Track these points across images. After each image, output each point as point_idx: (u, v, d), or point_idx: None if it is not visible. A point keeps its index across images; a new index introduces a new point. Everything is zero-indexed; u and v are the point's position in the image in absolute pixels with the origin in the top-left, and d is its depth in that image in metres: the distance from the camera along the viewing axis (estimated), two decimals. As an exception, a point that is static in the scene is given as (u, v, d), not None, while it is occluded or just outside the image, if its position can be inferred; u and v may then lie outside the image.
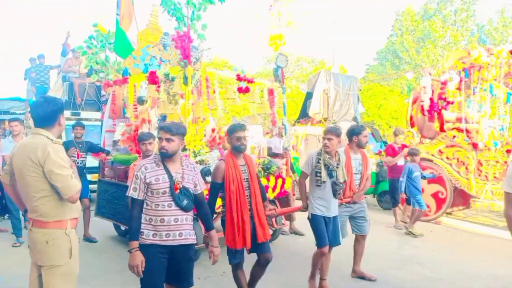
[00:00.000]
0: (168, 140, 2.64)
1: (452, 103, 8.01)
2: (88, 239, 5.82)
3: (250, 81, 5.57)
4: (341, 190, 3.85)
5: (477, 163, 7.43)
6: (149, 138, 4.42)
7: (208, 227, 2.88)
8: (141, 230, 2.64)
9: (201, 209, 2.86)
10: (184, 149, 5.02)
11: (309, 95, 11.55)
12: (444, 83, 7.92)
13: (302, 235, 6.22)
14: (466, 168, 7.46)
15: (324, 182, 3.73)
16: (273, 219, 5.23)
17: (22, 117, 11.00)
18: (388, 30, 25.63)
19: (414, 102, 8.60)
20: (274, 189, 5.49)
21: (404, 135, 7.80)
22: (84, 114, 9.70)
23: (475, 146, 7.49)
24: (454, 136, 7.77)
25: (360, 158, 4.23)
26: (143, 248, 2.59)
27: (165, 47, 6.11)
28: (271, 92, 5.95)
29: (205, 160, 4.85)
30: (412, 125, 8.53)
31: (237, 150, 3.40)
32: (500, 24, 22.97)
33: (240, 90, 5.45)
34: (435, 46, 21.21)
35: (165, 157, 2.67)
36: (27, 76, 11.27)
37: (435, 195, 7.47)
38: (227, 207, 3.33)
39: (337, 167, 3.78)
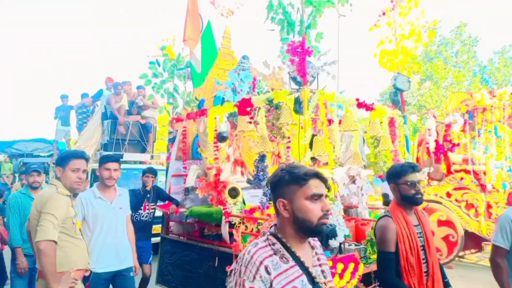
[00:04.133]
0: (322, 196, 1.54)
1: (458, 145, 8.00)
2: None
3: (370, 108, 4.34)
4: None
5: (486, 205, 7.29)
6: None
7: None
8: None
9: None
10: None
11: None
12: (449, 125, 7.97)
13: None
14: (476, 210, 7.38)
15: None
16: None
17: (48, 160, 10.57)
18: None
19: (420, 144, 8.65)
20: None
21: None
22: (127, 156, 8.78)
23: (483, 187, 7.47)
24: (461, 178, 7.71)
25: None
26: None
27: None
28: (391, 122, 4.72)
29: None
30: (419, 167, 8.46)
31: (412, 202, 2.45)
32: (501, 64, 23.35)
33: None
34: (438, 87, 21.47)
35: (315, 235, 1.58)
36: (58, 115, 10.70)
37: (446, 239, 7.37)
38: None
39: None
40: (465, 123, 8.13)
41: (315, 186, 1.49)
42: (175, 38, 5.75)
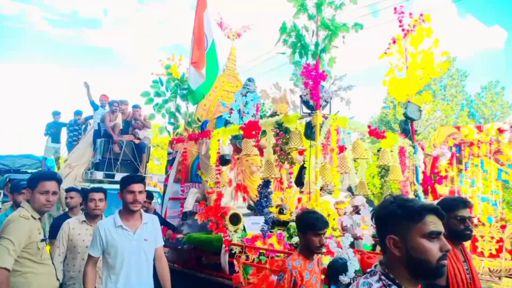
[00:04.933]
0: (441, 235, 1.44)
1: (445, 177, 8.22)
2: None
3: (381, 136, 4.22)
4: None
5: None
6: (325, 227, 2.68)
7: None
8: None
9: None
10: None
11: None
12: (436, 158, 8.20)
13: None
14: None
15: None
16: None
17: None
18: (381, 101, 26.68)
19: (408, 175, 8.81)
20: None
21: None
22: (119, 176, 8.18)
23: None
24: (448, 211, 7.88)
25: None
26: None
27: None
28: (402, 151, 4.61)
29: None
30: (407, 198, 8.68)
31: (460, 237, 2.38)
32: (488, 99, 24.22)
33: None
34: (426, 119, 22.01)
35: (433, 278, 1.41)
36: (49, 132, 10.53)
37: (433, 271, 7.41)
38: None
39: None
40: (452, 156, 8.37)
41: (433, 223, 1.35)
42: (181, 58, 5.82)
